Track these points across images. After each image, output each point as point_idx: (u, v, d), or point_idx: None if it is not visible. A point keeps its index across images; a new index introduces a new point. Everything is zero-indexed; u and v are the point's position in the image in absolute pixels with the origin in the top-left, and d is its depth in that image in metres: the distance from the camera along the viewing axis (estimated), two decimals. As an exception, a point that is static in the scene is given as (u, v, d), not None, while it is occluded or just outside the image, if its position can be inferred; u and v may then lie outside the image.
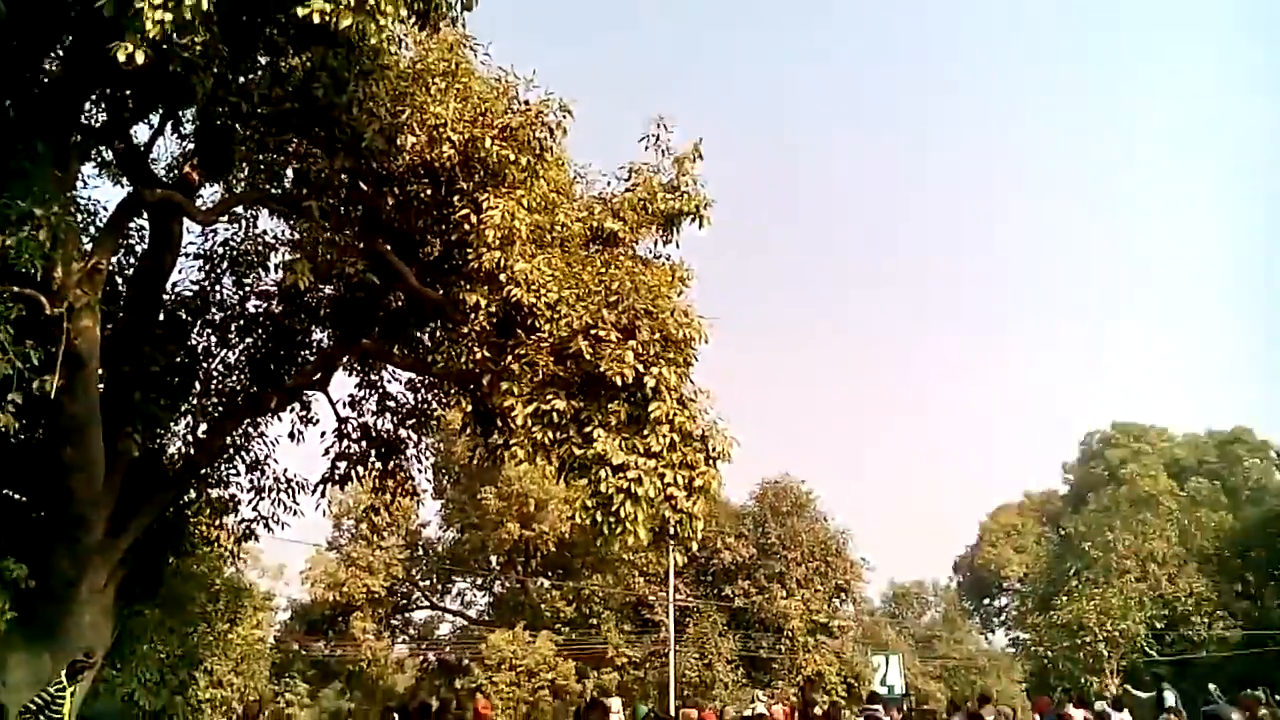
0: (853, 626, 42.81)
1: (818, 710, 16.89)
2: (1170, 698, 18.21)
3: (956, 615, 63.01)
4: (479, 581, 43.72)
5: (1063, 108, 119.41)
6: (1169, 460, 55.47)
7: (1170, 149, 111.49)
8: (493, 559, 41.16)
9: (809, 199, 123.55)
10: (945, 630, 59.61)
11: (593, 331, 8.74)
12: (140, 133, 10.78)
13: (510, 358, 8.98)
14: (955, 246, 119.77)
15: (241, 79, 8.87)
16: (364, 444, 13.68)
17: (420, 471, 14.99)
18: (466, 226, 8.98)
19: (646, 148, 10.41)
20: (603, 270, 9.10)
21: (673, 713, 20.12)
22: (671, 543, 10.48)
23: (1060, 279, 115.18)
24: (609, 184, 10.62)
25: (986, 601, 65.82)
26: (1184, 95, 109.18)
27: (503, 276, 8.68)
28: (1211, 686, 18.90)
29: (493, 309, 8.91)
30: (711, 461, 9.35)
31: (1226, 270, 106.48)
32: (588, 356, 8.75)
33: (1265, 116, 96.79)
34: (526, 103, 9.71)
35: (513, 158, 8.94)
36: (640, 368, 8.81)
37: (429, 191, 9.51)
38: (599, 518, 8.96)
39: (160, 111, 10.16)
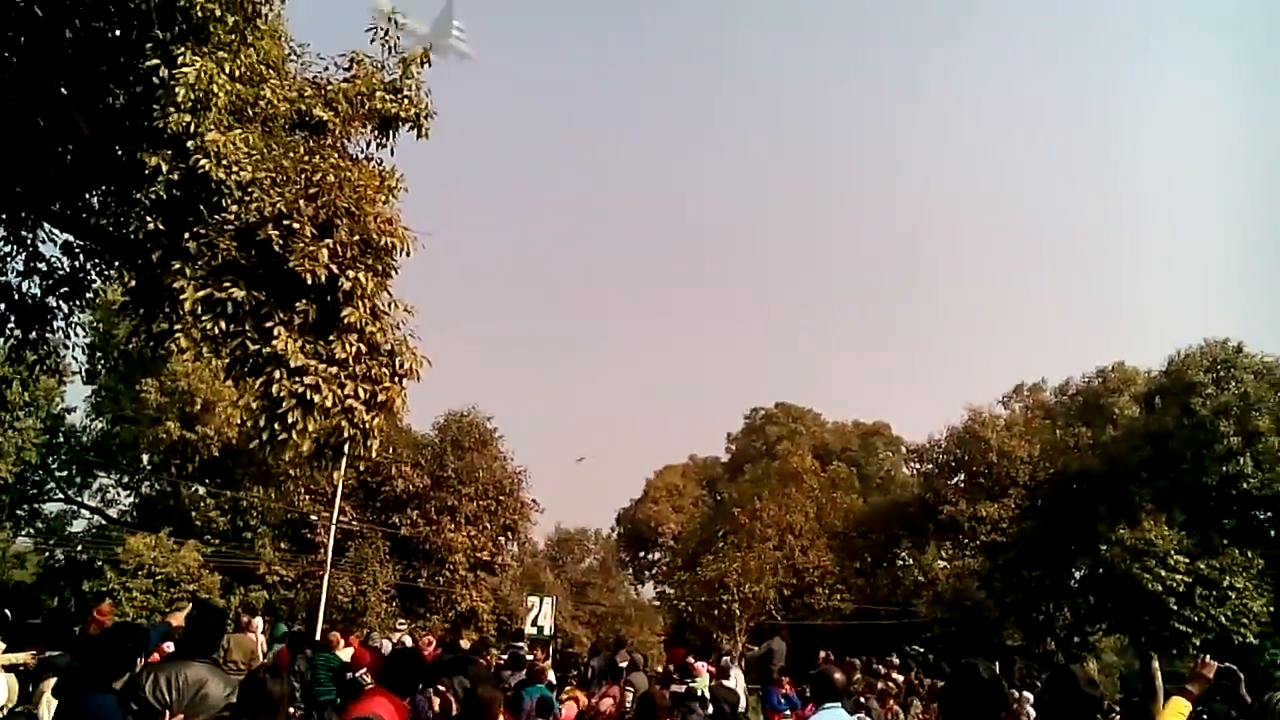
0: (514, 566, 43.81)
1: (464, 643, 17.12)
2: (769, 645, 20.56)
3: (613, 565, 66.34)
4: (125, 479, 40.27)
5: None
6: (818, 443, 61.41)
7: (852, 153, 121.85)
8: (145, 457, 38.03)
9: (542, 134, 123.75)
10: (600, 578, 62.51)
11: (285, 222, 8.02)
12: None
13: (188, 235, 8.09)
14: (663, 207, 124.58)
15: None
16: (3, 306, 12.00)
17: (69, 349, 13.39)
18: (156, 80, 7.99)
19: (373, 40, 9.81)
20: (306, 159, 8.38)
21: (318, 635, 19.61)
22: (342, 459, 10.03)
23: (752, 266, 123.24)
24: (326, 69, 9.85)
25: (642, 554, 69.54)
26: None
27: (191, 144, 7.76)
28: (822, 652, 21.31)
29: (175, 177, 7.99)
30: (398, 379, 8.97)
31: (884, 277, 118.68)
32: (276, 248, 8.07)
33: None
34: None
35: (219, 15, 8.04)
36: (335, 269, 8.27)
37: (118, 33, 8.39)
38: (264, 421, 8.33)
39: None
